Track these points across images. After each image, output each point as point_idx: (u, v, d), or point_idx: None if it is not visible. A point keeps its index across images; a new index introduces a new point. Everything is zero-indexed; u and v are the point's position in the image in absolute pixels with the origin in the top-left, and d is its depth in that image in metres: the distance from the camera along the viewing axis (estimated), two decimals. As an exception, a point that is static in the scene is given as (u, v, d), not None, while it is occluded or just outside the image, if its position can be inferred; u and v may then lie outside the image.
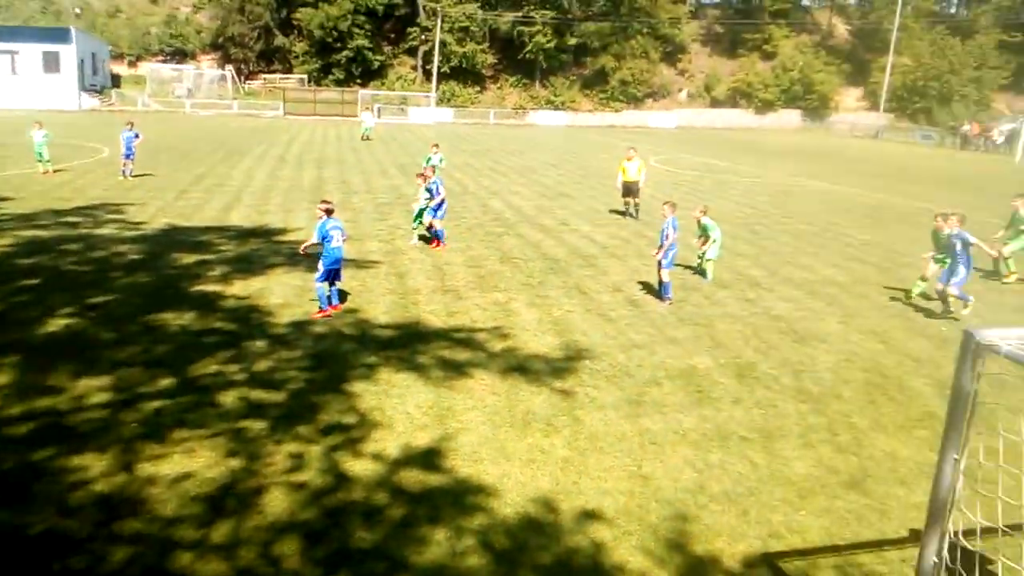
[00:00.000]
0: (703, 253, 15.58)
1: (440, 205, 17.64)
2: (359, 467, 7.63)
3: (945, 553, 4.90)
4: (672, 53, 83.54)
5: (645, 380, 10.21)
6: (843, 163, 43.83)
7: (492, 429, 8.59)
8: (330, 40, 73.31)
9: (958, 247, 12.94)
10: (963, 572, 5.47)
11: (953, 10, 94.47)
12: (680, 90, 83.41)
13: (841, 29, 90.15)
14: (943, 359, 11.17)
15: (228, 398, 9.05)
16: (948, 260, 13.37)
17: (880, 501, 7.41)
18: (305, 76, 75.45)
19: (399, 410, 8.96)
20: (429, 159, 24.04)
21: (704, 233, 15.43)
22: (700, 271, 15.73)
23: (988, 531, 5.59)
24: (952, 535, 4.99)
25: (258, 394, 9.23)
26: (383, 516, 6.83)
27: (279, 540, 6.42)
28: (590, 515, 6.98)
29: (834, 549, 6.63)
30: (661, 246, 13.61)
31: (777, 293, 14.85)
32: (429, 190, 17.43)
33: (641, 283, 14.99)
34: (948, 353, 11.33)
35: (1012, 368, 4.51)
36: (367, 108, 56.87)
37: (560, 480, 7.55)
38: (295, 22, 75.44)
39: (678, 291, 14.19)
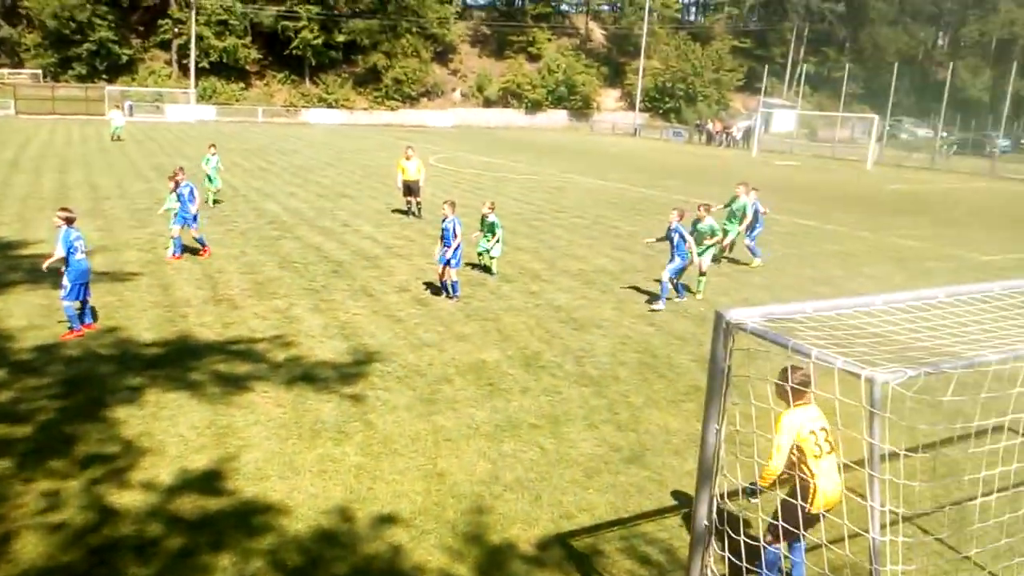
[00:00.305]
0: (488, 249, 15.83)
1: (196, 216, 16.18)
2: (127, 499, 6.92)
3: (715, 516, 5.30)
4: (443, 53, 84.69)
5: (436, 378, 10.20)
6: (608, 160, 46.80)
7: (278, 443, 8.16)
8: (67, 32, 66.14)
9: (675, 239, 14.02)
10: (730, 531, 5.99)
11: (692, 18, 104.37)
12: (454, 90, 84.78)
13: (598, 34, 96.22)
14: (703, 336, 12.21)
15: (-40, 438, 7.85)
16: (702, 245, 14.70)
17: (658, 472, 7.94)
18: (40, 71, 67.56)
19: (171, 433, 8.25)
20: (207, 160, 22.80)
21: (490, 229, 15.68)
22: (484, 267, 16.01)
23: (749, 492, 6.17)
24: (719, 498, 5.42)
25: (0, 429, 8.08)
26: (158, 548, 6.24)
27: (34, 593, 5.66)
28: (387, 519, 6.84)
29: (620, 522, 7.00)
30: (449, 246, 13.65)
31: (557, 284, 15.50)
32: (180, 196, 15.90)
33: (427, 283, 14.99)
34: (707, 330, 12.39)
35: (759, 342, 4.97)
36: (116, 106, 52.08)
37: (354, 488, 7.33)
38: (23, 11, 67.34)
39: (464, 288, 14.36)
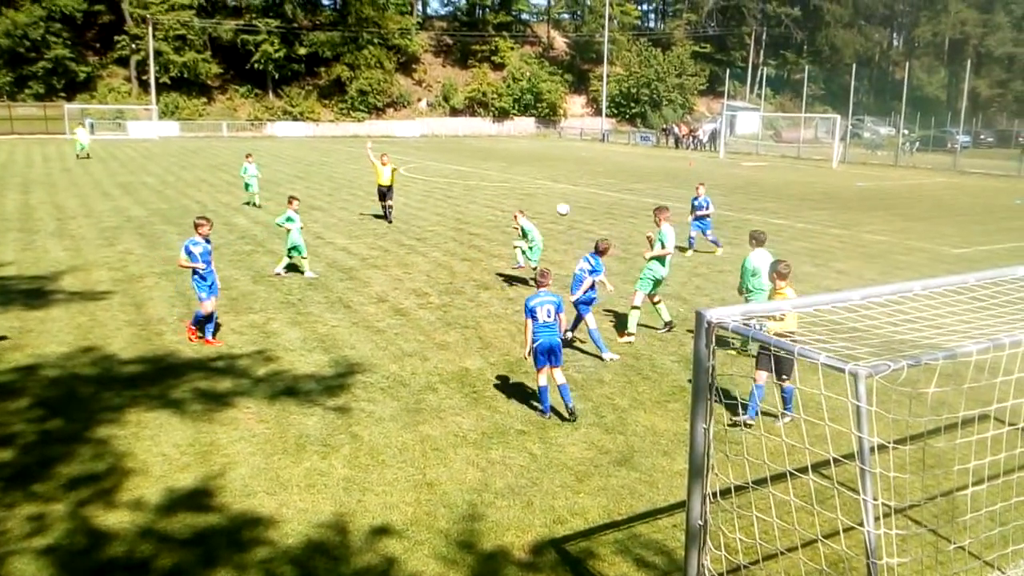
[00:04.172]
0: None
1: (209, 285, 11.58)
2: (114, 520, 6.79)
3: (708, 515, 5.32)
4: (407, 63, 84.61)
5: (420, 387, 10.16)
6: (577, 165, 46.96)
7: (264, 459, 8.06)
8: (22, 50, 65.29)
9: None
10: (724, 530, 6.02)
11: (652, 24, 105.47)
12: (420, 100, 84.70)
13: (560, 41, 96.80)
14: (684, 337, 12.31)
15: (-64, 466, 7.65)
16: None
17: (648, 474, 7.96)
18: (-5, 90, 66.41)
19: (154, 452, 8.12)
20: (246, 169, 25.10)
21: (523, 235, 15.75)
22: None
23: (739, 488, 6.22)
24: (711, 497, 5.45)
25: (-24, 456, 7.90)
26: (150, 568, 6.15)
27: (24, 621, 5.53)
28: (379, 531, 6.79)
29: (614, 525, 7.01)
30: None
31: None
32: (194, 253, 11.48)
33: (408, 289, 14.91)
34: (687, 331, 12.51)
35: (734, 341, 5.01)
36: (81, 124, 51.26)
37: (343, 501, 7.26)
38: (-25, 29, 66.24)
39: (441, 296, 14.32)
